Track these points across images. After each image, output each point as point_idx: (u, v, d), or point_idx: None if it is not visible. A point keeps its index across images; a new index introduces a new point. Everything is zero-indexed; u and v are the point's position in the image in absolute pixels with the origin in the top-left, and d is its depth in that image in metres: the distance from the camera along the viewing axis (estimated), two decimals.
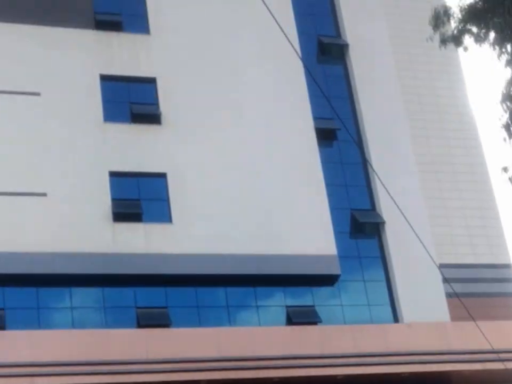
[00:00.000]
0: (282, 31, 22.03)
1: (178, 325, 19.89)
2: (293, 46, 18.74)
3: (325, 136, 23.73)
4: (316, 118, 23.58)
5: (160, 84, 22.94)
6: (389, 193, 15.45)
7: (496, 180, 29.87)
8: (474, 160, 25.93)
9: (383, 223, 22.89)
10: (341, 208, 22.91)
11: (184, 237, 21.07)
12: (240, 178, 22.20)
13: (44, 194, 20.41)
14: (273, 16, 22.37)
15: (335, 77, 25.00)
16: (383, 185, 16.46)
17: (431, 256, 17.15)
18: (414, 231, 15.11)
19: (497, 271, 24.16)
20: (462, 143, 25.97)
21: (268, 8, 22.68)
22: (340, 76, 25.11)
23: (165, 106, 22.66)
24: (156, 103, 22.69)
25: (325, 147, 23.64)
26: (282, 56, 23.34)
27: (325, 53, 25.30)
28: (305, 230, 21.82)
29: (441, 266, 20.99)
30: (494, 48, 13.32)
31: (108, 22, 23.32)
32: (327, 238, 21.98)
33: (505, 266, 24.41)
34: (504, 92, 13.17)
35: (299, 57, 20.39)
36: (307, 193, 22.46)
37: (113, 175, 21.37)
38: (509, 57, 13.18)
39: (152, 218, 21.25)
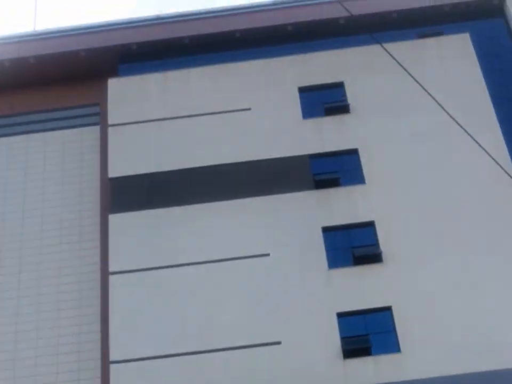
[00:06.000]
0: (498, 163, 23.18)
1: None
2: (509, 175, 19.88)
3: None
4: None
5: (378, 226, 24.62)
6: None
7: None
8: None
9: None
10: None
11: (413, 363, 21.79)
12: (462, 302, 22.65)
13: (278, 343, 22.52)
14: (488, 153, 23.68)
15: None
16: None
17: None
18: None
19: None
20: None
21: (479, 144, 24.05)
22: None
23: (384, 245, 24.18)
24: (375, 244, 24.31)
25: None
26: (496, 181, 24.19)
27: None
28: None
29: None
30: None
31: (325, 181, 25.77)
32: None
33: None
34: None
35: None
36: None
37: (341, 315, 22.97)
38: None
39: (381, 350, 22.34)
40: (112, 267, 23.35)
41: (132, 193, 25.00)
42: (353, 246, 24.49)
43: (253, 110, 27.14)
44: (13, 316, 22.39)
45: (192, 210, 24.77)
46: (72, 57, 27.80)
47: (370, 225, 24.73)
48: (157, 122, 26.67)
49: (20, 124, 26.72)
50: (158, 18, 28.75)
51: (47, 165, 25.62)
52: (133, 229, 24.23)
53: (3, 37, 27.62)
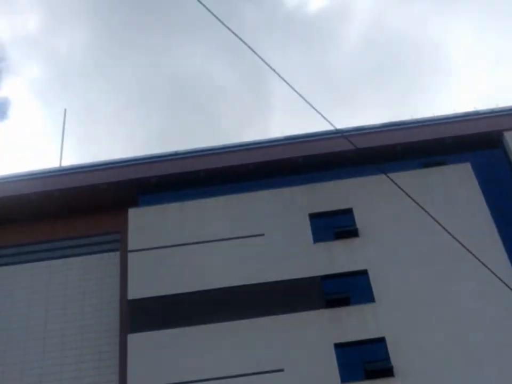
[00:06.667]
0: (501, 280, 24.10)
1: None
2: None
3: None
4: None
5: (389, 341, 25.27)
6: None
7: None
8: None
9: None
10: None
11: None
12: None
13: None
14: (492, 271, 24.69)
15: None
16: None
17: None
18: None
19: None
20: None
21: (483, 263, 25.10)
22: None
23: (395, 360, 24.77)
24: (386, 359, 24.89)
25: None
26: (503, 297, 25.00)
27: None
28: None
29: None
30: None
31: (337, 300, 26.66)
32: None
33: None
34: None
35: None
36: None
37: None
38: None
39: None
40: None
41: (149, 314, 25.97)
42: (364, 361, 25.08)
43: (266, 235, 28.45)
44: None
45: (208, 329, 25.65)
46: (95, 190, 29.44)
47: (381, 341, 25.41)
48: (173, 248, 27.96)
49: (44, 251, 28.07)
50: (175, 153, 30.58)
51: (69, 288, 26.74)
52: (151, 348, 25.05)
53: (31, 173, 29.45)
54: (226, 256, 27.85)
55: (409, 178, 28.74)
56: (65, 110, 33.86)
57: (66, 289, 26.74)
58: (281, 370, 24.78)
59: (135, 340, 25.20)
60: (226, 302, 26.55)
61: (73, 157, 53.48)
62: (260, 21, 66.80)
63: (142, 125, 62.89)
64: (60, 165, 30.48)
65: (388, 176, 27.73)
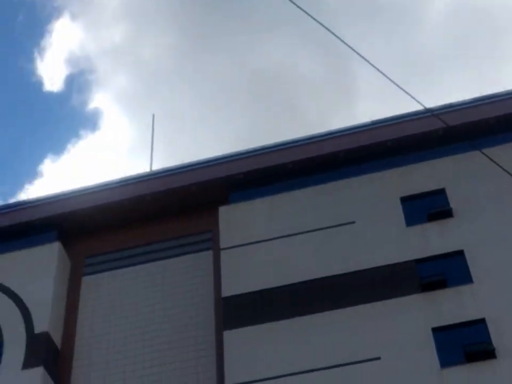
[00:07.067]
0: None
1: None
2: None
3: None
4: None
5: (489, 323, 24.42)
6: None
7: None
8: None
9: None
10: None
11: None
12: None
13: None
14: None
15: None
16: None
17: None
18: None
19: None
20: None
21: None
22: None
23: (497, 341, 23.91)
24: (487, 341, 24.06)
25: None
26: None
27: None
28: None
29: None
30: None
31: (432, 283, 25.99)
32: None
33: None
34: None
35: None
36: None
37: None
38: None
39: None
40: (227, 381, 24.17)
41: (243, 310, 26.07)
42: (464, 344, 24.33)
43: (356, 222, 28.07)
44: None
45: (301, 322, 25.50)
46: (185, 191, 29.81)
47: (481, 322, 24.61)
48: (264, 242, 27.98)
49: (140, 255, 28.66)
50: (262, 148, 30.56)
51: (166, 290, 27.22)
52: (246, 343, 25.14)
53: (123, 179, 30.09)
54: (318, 247, 27.64)
55: (505, 153, 27.69)
56: (153, 115, 34.49)
57: (163, 291, 27.21)
58: (378, 358, 24.36)
59: (230, 336, 25.35)
60: (320, 293, 26.34)
61: (163, 160, 54.60)
62: (341, 9, 66.05)
63: (228, 124, 63.54)
64: (151, 169, 30.99)
65: (483, 152, 26.84)
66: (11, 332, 25.04)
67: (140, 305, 26.83)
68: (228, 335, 25.42)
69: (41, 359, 24.11)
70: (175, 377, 24.88)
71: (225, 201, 29.70)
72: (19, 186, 72.93)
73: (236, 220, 28.91)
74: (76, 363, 25.25)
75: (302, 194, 29.41)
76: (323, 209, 28.71)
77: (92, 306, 26.90)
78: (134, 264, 28.33)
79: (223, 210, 29.27)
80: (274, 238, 28.06)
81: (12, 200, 28.90)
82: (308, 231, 28.17)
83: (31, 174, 73.07)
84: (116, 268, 28.09)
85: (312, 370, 24.13)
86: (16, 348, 24.51)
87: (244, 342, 25.23)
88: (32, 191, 73.64)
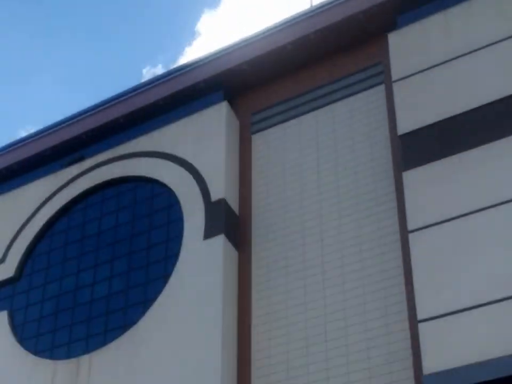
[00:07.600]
0: None
1: None
2: None
3: None
4: None
5: None
6: None
7: None
8: None
9: None
10: None
11: None
12: None
13: None
14: None
15: None
16: None
17: None
18: None
19: None
20: None
21: None
22: None
23: None
24: None
25: None
26: None
27: None
28: None
29: None
30: None
31: None
32: None
33: None
34: None
35: None
36: None
37: None
38: None
39: None
40: (410, 225, 22.49)
41: (423, 145, 23.82)
42: None
43: None
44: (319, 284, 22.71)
45: (489, 149, 22.77)
46: (350, 22, 27.33)
47: None
48: (440, 66, 25.09)
49: (309, 102, 26.96)
50: None
51: (338, 134, 25.51)
52: (428, 182, 23.02)
53: (282, 22, 28.08)
54: (503, 61, 24.30)
55: None
56: None
57: (335, 139, 25.51)
58: None
59: (410, 176, 23.38)
60: (509, 113, 23.39)
61: None
62: None
63: None
64: (311, 5, 28.65)
65: None
66: (190, 203, 24.72)
67: (311, 157, 25.38)
68: (408, 175, 23.42)
69: (221, 227, 23.58)
70: (356, 227, 23.58)
71: (393, 26, 26.90)
72: (179, 50, 72.38)
73: (407, 44, 26.09)
74: (254, 228, 24.57)
75: (478, 3, 25.84)
76: (505, 18, 25.10)
77: (264, 166, 25.83)
78: (302, 114, 26.70)
79: (392, 37, 26.55)
80: (450, 60, 25.07)
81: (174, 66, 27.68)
82: (491, 44, 24.77)
83: (189, 35, 71.74)
84: (284, 121, 26.64)
85: (497, 204, 21.65)
86: (196, 219, 24.21)
87: (425, 181, 23.03)
88: (192, 53, 72.33)
